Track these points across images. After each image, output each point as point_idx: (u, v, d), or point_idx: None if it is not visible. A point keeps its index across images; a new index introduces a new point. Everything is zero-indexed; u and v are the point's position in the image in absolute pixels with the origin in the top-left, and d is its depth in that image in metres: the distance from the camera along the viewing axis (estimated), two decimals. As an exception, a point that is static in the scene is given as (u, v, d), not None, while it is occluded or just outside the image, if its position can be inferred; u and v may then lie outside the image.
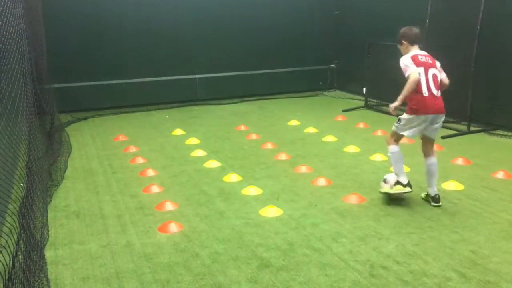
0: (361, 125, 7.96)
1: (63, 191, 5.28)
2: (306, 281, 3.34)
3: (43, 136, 6.36)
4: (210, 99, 10.30)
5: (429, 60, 4.59)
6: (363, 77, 9.57)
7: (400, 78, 4.79)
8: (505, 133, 7.09)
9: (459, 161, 5.91)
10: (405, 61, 4.54)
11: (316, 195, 4.96)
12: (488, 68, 7.34)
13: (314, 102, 10.41)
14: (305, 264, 3.57)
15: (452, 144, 6.79)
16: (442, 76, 4.66)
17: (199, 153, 6.53)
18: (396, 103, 4.51)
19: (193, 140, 7.16)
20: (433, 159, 4.67)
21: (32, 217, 3.91)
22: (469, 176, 5.42)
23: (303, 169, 5.75)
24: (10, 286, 2.67)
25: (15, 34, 4.86)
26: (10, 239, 3.06)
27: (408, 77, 4.46)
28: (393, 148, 4.67)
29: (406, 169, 5.57)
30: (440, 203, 4.60)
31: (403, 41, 4.68)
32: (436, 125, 4.61)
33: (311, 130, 7.70)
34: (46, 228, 4.20)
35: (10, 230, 3.31)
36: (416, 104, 4.47)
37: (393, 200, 4.74)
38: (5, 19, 4.22)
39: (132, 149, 6.82)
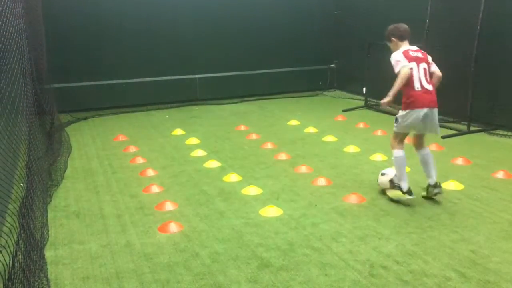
0: (361, 125, 7.96)
1: (63, 191, 5.28)
2: (306, 281, 3.34)
3: (43, 136, 6.36)
4: (210, 99, 10.30)
5: (420, 54, 4.62)
6: (363, 77, 9.58)
7: None
8: (505, 133, 7.09)
9: (459, 161, 5.91)
10: (396, 57, 4.56)
11: (316, 195, 4.96)
12: (488, 68, 7.34)
13: (314, 102, 10.41)
14: (305, 264, 3.57)
15: (452, 144, 6.79)
16: (434, 69, 4.66)
17: (199, 153, 6.53)
18: (387, 98, 4.52)
19: (193, 140, 7.16)
20: (426, 150, 4.72)
21: (32, 217, 3.91)
22: (469, 176, 5.42)
23: (303, 169, 5.75)
24: (10, 286, 2.67)
25: (15, 34, 4.86)
26: (10, 239, 3.06)
27: (398, 72, 4.49)
28: (397, 152, 4.64)
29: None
30: (441, 191, 4.62)
31: (392, 38, 4.71)
32: (435, 120, 4.60)
33: (311, 130, 7.70)
34: (46, 228, 4.20)
35: (10, 230, 3.31)
36: (410, 99, 4.50)
37: (392, 200, 4.75)
38: (5, 19, 4.22)
39: (132, 149, 6.82)
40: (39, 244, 3.78)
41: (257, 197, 4.94)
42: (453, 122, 7.87)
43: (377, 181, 4.99)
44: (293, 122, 8.25)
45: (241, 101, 10.35)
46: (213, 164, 6.04)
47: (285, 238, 4.00)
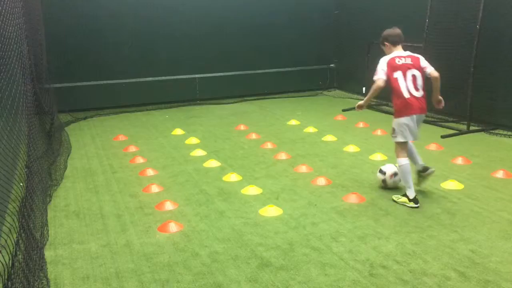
0: (361, 125, 7.96)
1: (63, 190, 5.28)
2: (306, 281, 3.34)
3: (43, 135, 6.36)
4: (210, 98, 10.31)
5: (409, 61, 4.68)
6: (362, 77, 9.57)
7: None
8: (505, 132, 7.09)
9: (459, 161, 5.91)
10: (380, 65, 4.68)
11: (315, 195, 4.96)
12: (487, 68, 7.34)
13: (314, 101, 10.41)
14: (305, 264, 3.57)
15: (451, 143, 6.79)
16: (429, 71, 4.72)
17: (199, 152, 6.53)
18: (361, 102, 4.90)
19: (193, 140, 7.16)
20: (409, 143, 4.83)
21: (31, 217, 3.91)
22: (469, 176, 5.42)
23: (303, 168, 5.75)
24: (9, 285, 2.67)
25: (15, 34, 4.85)
26: (10, 238, 3.06)
27: (374, 79, 4.65)
28: (402, 161, 4.67)
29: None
30: (432, 170, 4.80)
31: (386, 43, 4.80)
32: (419, 124, 4.77)
33: (311, 129, 7.70)
34: (45, 228, 4.20)
35: (10, 230, 3.31)
36: (400, 107, 4.64)
37: (393, 200, 4.75)
38: (4, 19, 4.22)
39: (132, 148, 6.82)
40: (39, 243, 3.78)
41: (257, 197, 4.94)
42: (453, 121, 7.87)
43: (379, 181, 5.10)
44: (293, 122, 8.25)
45: (241, 101, 10.35)
46: (213, 163, 6.04)
47: (284, 238, 4.00)
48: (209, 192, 5.10)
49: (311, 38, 11.01)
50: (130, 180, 5.57)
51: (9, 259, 2.91)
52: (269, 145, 6.82)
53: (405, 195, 4.64)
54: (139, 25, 9.54)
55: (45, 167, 5.52)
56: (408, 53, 4.76)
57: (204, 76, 10.30)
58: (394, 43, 4.76)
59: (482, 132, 7.28)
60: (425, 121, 7.98)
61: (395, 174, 4.98)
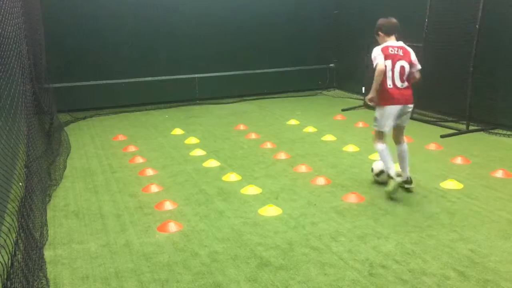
0: (360, 124, 7.96)
1: (62, 190, 5.28)
2: (305, 280, 3.34)
3: (42, 135, 6.35)
4: (209, 98, 10.30)
5: (400, 52, 4.75)
6: (362, 77, 9.56)
7: None
8: (504, 132, 7.10)
9: (458, 160, 5.92)
10: (374, 52, 4.76)
11: (315, 194, 4.96)
12: (487, 67, 7.34)
13: (313, 101, 10.41)
14: (304, 263, 3.57)
15: (451, 143, 6.79)
16: (415, 69, 4.81)
17: (198, 152, 6.53)
18: (370, 95, 4.77)
19: (192, 140, 7.16)
20: (404, 146, 4.94)
21: (31, 217, 3.90)
22: (468, 175, 5.42)
23: (303, 168, 5.75)
24: (9, 285, 2.67)
25: (14, 34, 4.85)
26: (9, 238, 3.06)
27: (375, 67, 4.69)
28: (379, 146, 4.84)
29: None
30: (413, 185, 4.89)
31: (379, 32, 4.87)
32: (407, 115, 4.84)
33: (310, 129, 7.70)
34: (45, 228, 4.20)
35: (9, 230, 3.30)
36: (382, 96, 4.72)
37: (391, 198, 4.76)
38: (3, 19, 4.22)
39: (132, 148, 6.82)
40: (38, 243, 3.77)
41: (257, 197, 4.94)
42: (452, 121, 7.88)
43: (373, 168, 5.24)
44: (293, 122, 8.25)
45: (241, 101, 10.35)
46: (212, 163, 6.04)
47: (284, 238, 4.00)
48: (209, 192, 5.10)
49: (310, 38, 11.00)
50: (129, 180, 5.57)
51: (9, 259, 2.90)
52: (268, 145, 6.82)
53: (389, 177, 4.72)
54: (139, 25, 9.53)
55: (44, 167, 5.52)
56: (401, 43, 4.85)
57: (204, 76, 10.29)
58: (388, 33, 4.84)
59: (482, 132, 7.28)
60: (425, 121, 8.06)
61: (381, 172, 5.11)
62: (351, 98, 10.40)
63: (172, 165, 6.06)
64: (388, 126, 4.79)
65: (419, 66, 4.83)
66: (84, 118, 8.93)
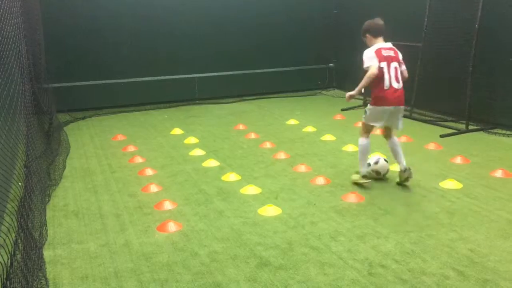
0: (360, 124, 7.93)
1: (62, 190, 5.27)
2: (305, 280, 3.34)
3: (41, 135, 6.35)
4: (209, 98, 10.30)
5: (392, 53, 4.82)
6: (361, 77, 9.55)
7: None
8: (504, 131, 7.10)
9: (458, 160, 5.92)
10: (368, 54, 4.79)
11: (314, 194, 4.96)
12: (486, 67, 7.35)
13: (312, 101, 10.41)
14: (304, 263, 3.57)
15: (450, 142, 6.80)
16: (403, 69, 4.89)
17: (198, 152, 6.52)
18: (352, 92, 4.95)
19: (191, 140, 7.16)
20: (394, 139, 5.06)
21: (30, 217, 3.90)
22: (468, 175, 5.43)
23: (302, 168, 5.75)
24: (8, 285, 2.67)
25: (13, 33, 4.85)
26: (9, 238, 3.06)
27: (367, 68, 4.75)
28: (362, 140, 5.01)
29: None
30: (411, 174, 4.93)
31: (367, 35, 4.92)
32: (398, 117, 4.96)
33: (309, 129, 7.71)
34: (44, 228, 4.20)
35: (9, 230, 3.30)
36: (377, 96, 4.81)
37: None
38: (2, 18, 4.21)
39: (131, 148, 6.82)
40: (38, 243, 3.77)
41: (256, 196, 4.94)
42: (452, 121, 7.88)
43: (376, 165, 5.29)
44: (292, 122, 8.25)
45: (240, 101, 10.34)
46: (212, 163, 6.04)
47: (283, 237, 4.00)
48: (208, 192, 5.10)
49: (310, 38, 11.00)
50: (129, 179, 5.57)
51: (8, 259, 2.90)
52: (268, 145, 6.82)
53: (358, 173, 4.99)
54: (138, 25, 9.52)
55: (43, 166, 5.51)
56: (389, 45, 4.91)
57: (203, 75, 10.29)
58: (376, 35, 4.89)
59: (481, 132, 7.29)
60: (424, 121, 8.07)
61: (376, 162, 5.24)
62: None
63: (172, 165, 6.06)
64: (377, 124, 4.93)
65: (404, 66, 4.94)
66: (84, 118, 8.92)
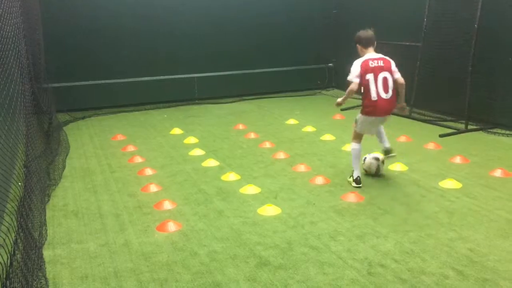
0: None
1: (61, 190, 5.27)
2: (304, 280, 3.35)
3: (41, 135, 6.35)
4: (209, 98, 10.30)
5: (381, 63, 4.93)
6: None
7: None
8: (503, 131, 7.11)
9: (457, 160, 5.92)
10: (354, 67, 4.98)
11: (314, 194, 4.97)
12: (486, 66, 7.35)
13: (312, 101, 10.42)
14: (303, 263, 3.58)
15: (450, 142, 6.80)
16: (397, 76, 4.98)
17: (198, 152, 6.53)
18: (339, 100, 5.12)
19: (191, 139, 7.16)
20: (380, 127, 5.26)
21: (30, 216, 3.90)
22: (467, 175, 5.43)
23: (302, 167, 5.75)
24: (8, 285, 2.67)
25: (12, 33, 4.84)
26: (8, 238, 3.06)
27: (350, 80, 4.97)
28: (353, 145, 5.19)
29: (403, 168, 5.64)
30: (395, 154, 5.24)
31: (357, 45, 5.12)
32: (385, 120, 5.17)
33: (309, 129, 7.71)
34: (44, 227, 4.20)
35: (8, 229, 3.30)
36: (367, 107, 4.98)
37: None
38: (2, 18, 4.21)
39: (131, 148, 6.82)
40: (38, 243, 3.77)
41: (256, 196, 4.94)
42: (451, 120, 7.88)
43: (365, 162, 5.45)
44: (292, 121, 8.25)
45: (240, 100, 10.34)
46: (211, 163, 6.04)
47: (283, 237, 4.00)
48: (208, 192, 5.10)
49: (309, 38, 11.00)
50: (128, 179, 5.57)
51: (8, 259, 2.90)
52: (267, 145, 6.82)
53: (352, 176, 5.12)
54: (138, 25, 9.52)
55: (43, 166, 5.51)
56: (380, 55, 5.02)
57: (203, 75, 10.29)
58: (366, 45, 5.05)
59: (481, 131, 7.29)
60: (423, 120, 8.07)
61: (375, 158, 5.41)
62: (350, 97, 10.38)
63: (171, 165, 6.06)
64: (367, 132, 5.14)
65: (399, 74, 5.00)
66: (83, 118, 8.92)
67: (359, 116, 5.12)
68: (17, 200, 3.90)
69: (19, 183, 4.38)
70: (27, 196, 4.01)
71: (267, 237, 4.02)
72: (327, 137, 7.18)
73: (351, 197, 4.78)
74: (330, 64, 11.39)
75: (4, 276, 2.69)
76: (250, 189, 5.07)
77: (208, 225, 4.27)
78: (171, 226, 4.21)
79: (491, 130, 7.24)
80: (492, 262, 3.52)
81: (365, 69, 4.88)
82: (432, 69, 8.08)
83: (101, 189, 5.26)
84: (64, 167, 6.04)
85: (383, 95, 4.87)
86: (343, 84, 11.17)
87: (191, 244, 3.92)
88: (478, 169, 5.60)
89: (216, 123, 8.31)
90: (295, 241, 3.92)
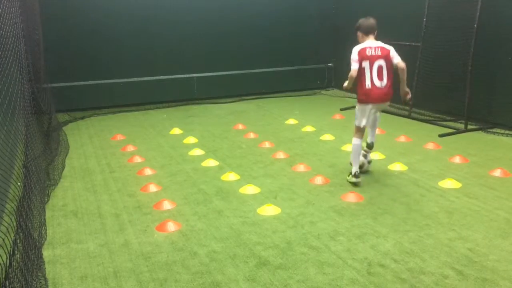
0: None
1: (61, 190, 5.27)
2: (304, 280, 3.35)
3: (40, 135, 6.35)
4: (208, 98, 10.30)
5: (378, 51, 4.98)
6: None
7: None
8: (503, 131, 7.11)
9: (457, 159, 5.93)
10: (352, 55, 5.02)
11: (314, 194, 4.97)
12: (485, 66, 7.35)
13: (311, 101, 10.42)
14: (303, 263, 3.58)
15: (449, 142, 6.80)
16: (397, 61, 5.00)
17: (197, 152, 6.52)
18: (345, 84, 5.20)
19: (191, 139, 7.16)
20: (377, 115, 5.32)
21: (29, 216, 3.90)
22: (467, 174, 5.43)
23: (301, 167, 5.75)
24: (7, 285, 2.67)
25: (12, 33, 4.84)
26: (8, 238, 3.06)
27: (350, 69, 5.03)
28: (355, 141, 5.22)
29: (403, 167, 5.64)
30: (372, 150, 5.42)
31: (358, 32, 5.14)
32: (378, 115, 5.33)
33: (308, 128, 7.71)
34: (44, 227, 4.20)
35: (8, 229, 3.30)
36: (361, 95, 5.07)
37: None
38: (1, 18, 4.21)
39: (130, 148, 6.81)
40: (37, 243, 3.77)
41: (255, 196, 4.94)
42: (451, 120, 7.89)
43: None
44: (291, 121, 8.25)
45: (239, 100, 10.34)
46: (211, 163, 6.04)
47: (283, 237, 4.00)
48: (207, 191, 5.10)
49: (309, 37, 11.01)
50: (128, 179, 5.56)
51: (7, 258, 2.90)
52: (267, 144, 6.82)
53: (350, 173, 5.20)
54: (137, 25, 9.52)
55: (43, 166, 5.51)
56: (379, 43, 5.05)
57: (202, 75, 10.29)
58: (366, 33, 5.08)
59: (480, 131, 7.30)
60: (423, 120, 8.07)
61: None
62: (349, 97, 10.39)
63: (171, 165, 6.06)
64: (364, 123, 5.15)
65: (399, 58, 5.00)
66: (83, 117, 8.91)
67: (356, 107, 5.20)
68: (17, 200, 3.90)
69: (19, 183, 4.37)
70: (26, 196, 4.01)
71: (267, 237, 4.02)
72: (327, 137, 7.18)
73: (351, 197, 4.78)
74: (330, 64, 11.39)
75: (4, 276, 2.69)
76: (250, 189, 5.07)
77: (207, 225, 4.27)
78: (171, 226, 4.21)
79: (490, 130, 7.24)
80: (492, 262, 3.52)
81: (361, 56, 4.95)
82: (431, 69, 8.08)
83: (101, 189, 5.26)
84: (63, 167, 6.03)
85: (377, 83, 4.94)
86: (343, 83, 11.23)
87: (190, 244, 3.92)
88: (477, 169, 5.61)
89: (215, 123, 8.31)
90: (295, 241, 3.92)
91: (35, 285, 3.22)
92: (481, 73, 7.34)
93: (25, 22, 6.28)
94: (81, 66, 9.26)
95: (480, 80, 7.36)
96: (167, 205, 4.70)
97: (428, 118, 8.17)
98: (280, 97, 10.61)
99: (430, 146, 6.57)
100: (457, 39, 7.54)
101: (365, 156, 5.44)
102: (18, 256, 3.19)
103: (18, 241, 3.33)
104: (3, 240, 2.96)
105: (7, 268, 2.80)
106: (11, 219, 3.45)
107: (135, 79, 9.74)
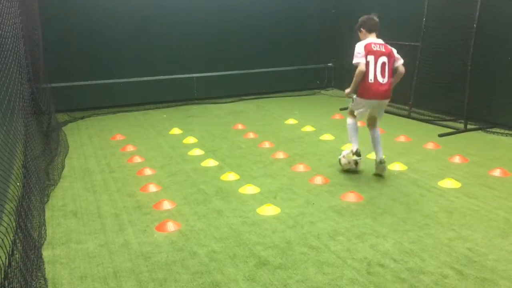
0: (358, 124, 7.94)
1: (61, 190, 5.27)
2: (304, 279, 3.35)
3: (40, 135, 6.34)
4: (208, 98, 10.29)
5: (382, 48, 5.02)
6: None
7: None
8: (502, 131, 7.11)
9: (456, 159, 5.93)
10: (357, 49, 5.04)
11: (313, 194, 4.97)
12: (485, 66, 7.35)
13: (311, 101, 10.42)
14: (303, 262, 3.58)
15: (449, 142, 6.80)
16: (398, 64, 5.07)
17: (197, 152, 6.52)
18: (347, 90, 5.27)
19: (190, 139, 7.16)
20: (377, 131, 5.36)
21: (29, 216, 3.90)
22: (466, 174, 5.43)
23: (301, 167, 5.75)
24: (6, 285, 2.67)
25: (11, 33, 4.84)
26: (7, 238, 3.05)
27: (356, 65, 5.02)
28: (349, 120, 5.39)
29: (402, 167, 5.64)
30: (385, 165, 5.32)
31: (362, 29, 5.18)
32: (381, 108, 5.26)
33: (308, 128, 7.71)
34: (43, 228, 4.19)
35: (7, 229, 3.30)
36: (362, 89, 5.09)
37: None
38: (1, 18, 4.21)
39: (130, 148, 6.81)
40: (37, 243, 3.77)
41: (255, 196, 4.94)
42: (450, 120, 7.89)
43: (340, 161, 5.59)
44: (291, 121, 8.25)
45: (239, 100, 10.34)
46: (210, 163, 6.04)
47: (282, 237, 4.00)
48: (207, 191, 5.10)
49: (309, 37, 11.00)
50: (127, 179, 5.56)
51: (6, 259, 2.90)
52: (266, 144, 6.82)
53: (351, 150, 5.33)
54: (137, 25, 9.52)
55: (42, 166, 5.51)
56: (381, 41, 5.09)
57: (202, 75, 10.29)
58: (370, 30, 5.13)
59: (480, 131, 7.30)
60: (423, 120, 8.08)
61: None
62: (349, 97, 10.39)
63: (171, 165, 6.06)
64: (359, 113, 5.20)
65: (401, 60, 5.09)
66: (82, 117, 8.91)
67: (355, 97, 5.27)
68: (16, 200, 3.90)
69: (18, 183, 4.37)
70: (26, 196, 4.01)
71: (267, 237, 4.01)
72: (327, 136, 7.18)
73: (351, 197, 4.78)
74: (330, 64, 11.40)
75: (3, 276, 2.69)
76: (249, 189, 5.07)
77: (207, 225, 4.27)
78: (171, 226, 4.20)
79: (490, 130, 7.25)
80: (491, 262, 3.52)
81: (368, 51, 4.97)
82: (431, 69, 8.09)
83: (100, 189, 5.26)
84: (63, 167, 6.03)
85: (380, 78, 4.97)
86: (343, 83, 11.22)
87: (190, 244, 3.92)
88: (477, 169, 5.61)
89: (215, 123, 8.31)
90: (295, 241, 3.92)
91: (35, 285, 3.22)
92: (481, 73, 7.34)
93: (25, 22, 6.27)
94: (81, 66, 9.25)
95: (480, 80, 7.36)
96: (166, 205, 4.70)
97: (427, 118, 8.17)
98: (280, 97, 10.61)
99: (430, 146, 6.57)
100: (456, 39, 7.54)
101: (356, 164, 5.45)
102: (17, 256, 3.19)
103: (17, 241, 3.33)
104: (3, 240, 2.96)
105: (6, 268, 2.80)
106: (10, 219, 3.45)
107: (135, 79, 9.74)
